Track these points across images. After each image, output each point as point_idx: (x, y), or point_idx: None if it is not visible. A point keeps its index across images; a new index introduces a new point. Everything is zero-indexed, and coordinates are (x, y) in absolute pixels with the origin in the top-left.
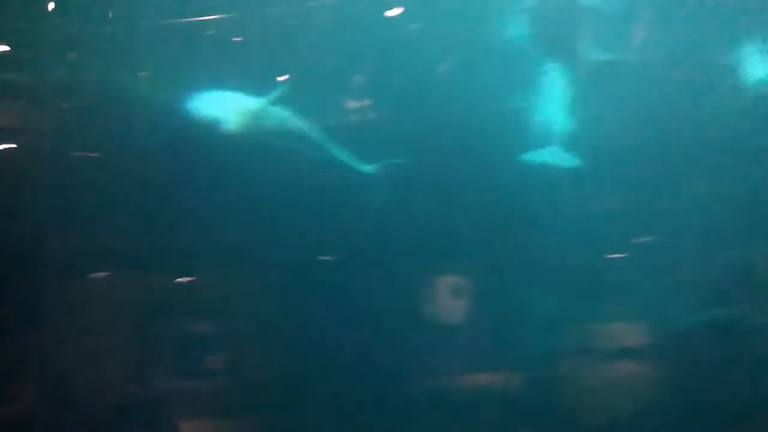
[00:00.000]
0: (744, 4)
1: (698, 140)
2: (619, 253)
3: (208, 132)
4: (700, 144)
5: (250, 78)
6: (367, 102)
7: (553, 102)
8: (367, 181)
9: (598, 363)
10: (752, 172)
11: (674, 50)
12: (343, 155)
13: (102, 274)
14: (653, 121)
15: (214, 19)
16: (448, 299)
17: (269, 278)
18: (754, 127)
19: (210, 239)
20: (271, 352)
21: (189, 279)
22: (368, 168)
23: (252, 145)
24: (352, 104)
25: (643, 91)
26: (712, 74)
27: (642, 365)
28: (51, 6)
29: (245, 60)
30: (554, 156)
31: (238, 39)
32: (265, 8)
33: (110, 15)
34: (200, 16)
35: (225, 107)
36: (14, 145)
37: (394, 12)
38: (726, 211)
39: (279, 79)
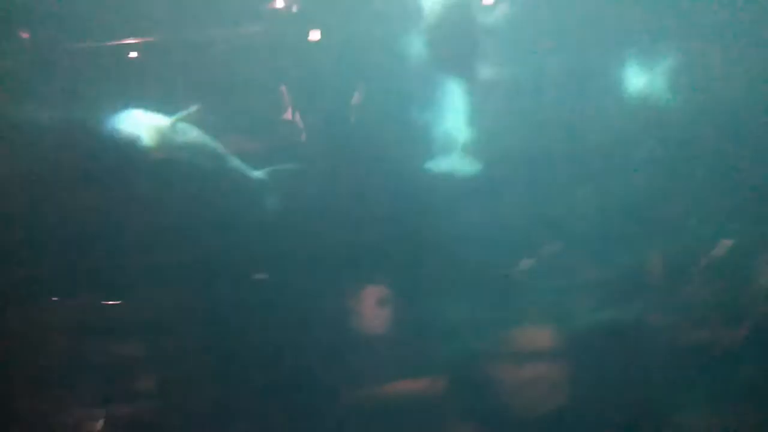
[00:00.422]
0: (628, 20)
1: (587, 148)
2: (521, 257)
3: (126, 149)
4: (589, 151)
5: (162, 97)
6: (283, 117)
7: (454, 114)
8: (258, 186)
9: (510, 365)
10: (639, 178)
11: (564, 64)
12: (238, 164)
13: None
14: (547, 131)
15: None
16: (359, 307)
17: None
18: (638, 135)
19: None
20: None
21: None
22: (258, 174)
23: (164, 161)
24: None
25: (536, 103)
26: (598, 85)
27: (549, 366)
28: None
29: (158, 80)
30: (456, 163)
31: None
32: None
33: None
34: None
35: (139, 125)
36: None
37: (314, 36)
38: (617, 216)
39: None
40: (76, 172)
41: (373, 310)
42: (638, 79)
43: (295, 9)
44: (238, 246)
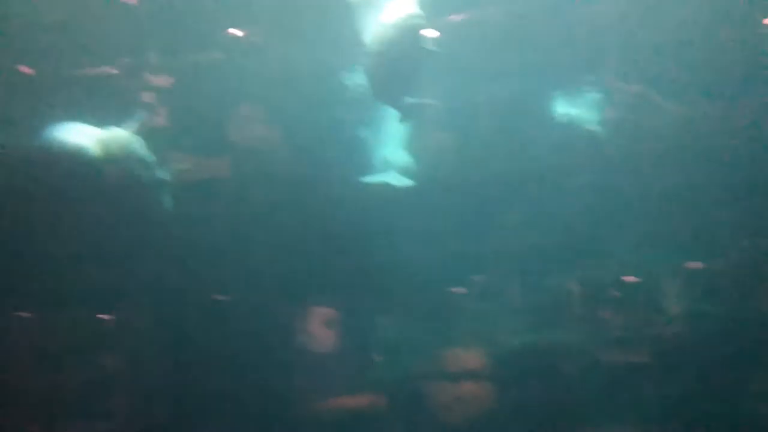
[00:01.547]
0: (557, 54)
1: (516, 173)
2: (453, 281)
3: (74, 160)
4: (518, 176)
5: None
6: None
7: (391, 140)
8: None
9: (441, 383)
10: (567, 203)
11: (498, 94)
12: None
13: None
14: (480, 158)
15: None
16: (297, 326)
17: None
18: (567, 161)
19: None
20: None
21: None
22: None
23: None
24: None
25: (470, 131)
26: (529, 114)
27: (478, 384)
28: None
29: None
30: (390, 178)
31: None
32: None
33: None
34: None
35: (84, 137)
36: None
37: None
38: (542, 239)
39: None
40: (30, 188)
41: (317, 329)
42: (568, 109)
43: (245, 37)
44: (189, 265)
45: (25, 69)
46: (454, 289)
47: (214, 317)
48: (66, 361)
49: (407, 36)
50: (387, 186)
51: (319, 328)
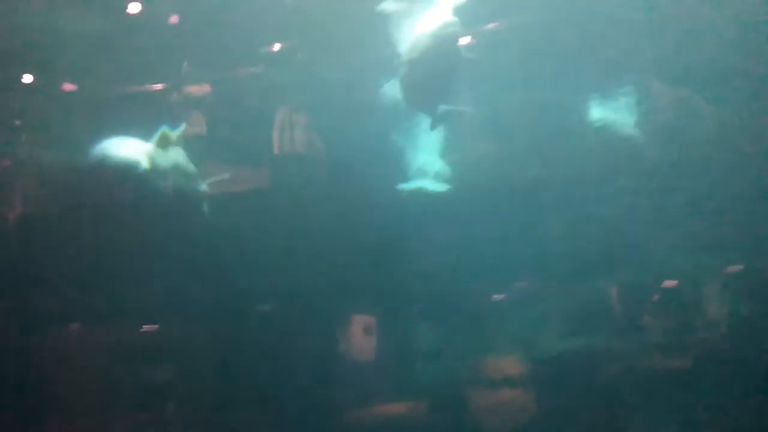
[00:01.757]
0: (593, 57)
1: (553, 178)
2: (494, 288)
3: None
4: (554, 182)
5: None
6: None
7: (426, 146)
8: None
9: (483, 390)
10: (606, 208)
11: (533, 100)
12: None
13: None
14: (516, 161)
15: None
16: (338, 334)
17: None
18: (603, 166)
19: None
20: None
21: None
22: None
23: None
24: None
25: (505, 135)
26: (567, 120)
27: (521, 391)
28: None
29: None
30: (426, 184)
31: None
32: None
33: None
34: None
35: (133, 151)
36: None
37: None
38: (581, 245)
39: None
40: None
41: (358, 337)
42: (604, 113)
43: (284, 50)
44: (231, 276)
45: (68, 86)
46: (495, 296)
47: (257, 327)
48: (113, 372)
49: (444, 44)
50: (422, 191)
51: (360, 336)
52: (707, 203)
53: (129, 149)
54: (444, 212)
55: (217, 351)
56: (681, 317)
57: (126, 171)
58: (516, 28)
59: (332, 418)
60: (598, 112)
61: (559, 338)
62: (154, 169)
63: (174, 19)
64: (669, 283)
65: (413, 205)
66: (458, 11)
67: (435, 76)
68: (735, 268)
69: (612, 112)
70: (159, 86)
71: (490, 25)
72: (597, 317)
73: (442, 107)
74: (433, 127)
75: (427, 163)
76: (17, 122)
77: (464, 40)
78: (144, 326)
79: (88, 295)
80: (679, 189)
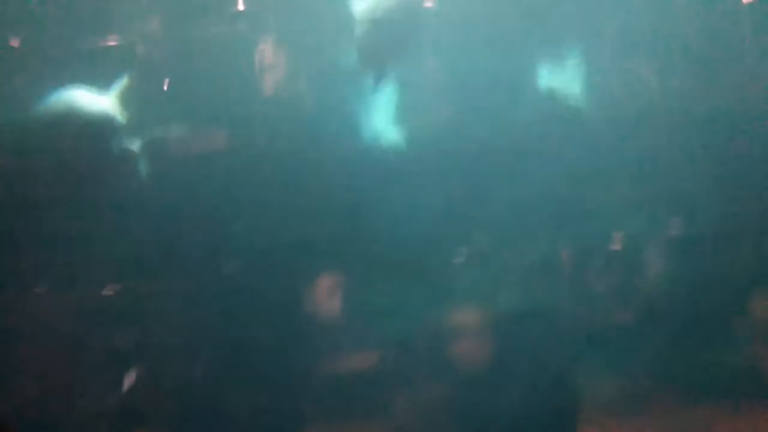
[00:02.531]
0: (540, 22)
1: (503, 145)
2: (450, 248)
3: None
4: (504, 149)
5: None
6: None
7: (381, 110)
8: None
9: (443, 342)
10: (554, 172)
11: (482, 65)
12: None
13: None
14: (468, 128)
15: None
16: (303, 295)
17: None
18: (546, 132)
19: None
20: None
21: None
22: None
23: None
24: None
25: (456, 102)
26: (513, 83)
27: (478, 342)
28: None
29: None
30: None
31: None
32: None
33: None
34: None
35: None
36: None
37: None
38: (531, 209)
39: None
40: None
41: (322, 297)
42: (552, 78)
43: (242, 10)
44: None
45: (14, 42)
46: (455, 259)
47: (222, 287)
48: (77, 336)
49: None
50: (377, 151)
51: (324, 296)
52: (651, 167)
53: (92, 101)
54: (400, 180)
55: (182, 311)
56: (623, 276)
57: (98, 125)
58: None
59: (301, 371)
60: (545, 79)
61: (513, 295)
62: (125, 124)
63: None
64: (615, 243)
65: (369, 168)
66: None
67: (390, 33)
68: (677, 228)
69: (559, 79)
70: (113, 43)
71: None
72: (548, 277)
73: (389, 70)
74: (375, 87)
75: (382, 126)
76: None
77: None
78: (106, 288)
79: (52, 258)
80: (624, 153)
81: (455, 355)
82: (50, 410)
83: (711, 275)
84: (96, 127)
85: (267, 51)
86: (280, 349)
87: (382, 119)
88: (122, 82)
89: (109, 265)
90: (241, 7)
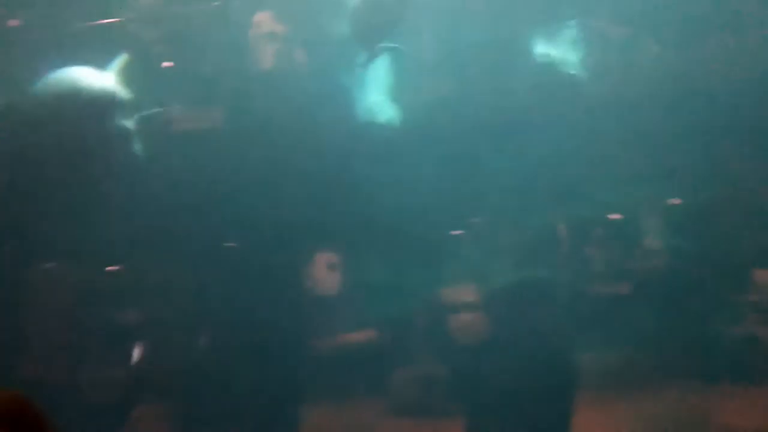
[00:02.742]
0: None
1: (500, 117)
2: (448, 224)
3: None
4: (501, 120)
5: None
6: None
7: (375, 85)
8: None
9: (442, 316)
10: (551, 146)
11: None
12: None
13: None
14: (463, 103)
15: None
16: (301, 271)
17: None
18: (548, 104)
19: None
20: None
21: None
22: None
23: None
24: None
25: (453, 73)
26: (509, 56)
27: (478, 315)
28: None
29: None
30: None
31: None
32: None
33: None
34: None
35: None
36: None
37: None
38: (529, 182)
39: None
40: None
41: (320, 273)
42: (548, 51)
43: None
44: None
45: (12, 22)
46: (452, 232)
47: (223, 264)
48: (82, 312)
49: None
50: (374, 127)
51: (322, 272)
52: (648, 140)
53: (95, 79)
54: (396, 154)
55: (182, 289)
56: (621, 248)
57: (104, 104)
58: None
59: (298, 347)
60: (541, 49)
61: (512, 269)
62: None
63: None
64: (612, 217)
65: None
66: None
67: (386, 9)
68: (674, 201)
69: (556, 49)
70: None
71: None
72: (545, 249)
73: (381, 44)
74: (366, 62)
75: (377, 102)
76: None
77: None
78: (107, 267)
79: (55, 236)
80: (621, 125)
81: (453, 331)
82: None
83: (709, 251)
84: (100, 104)
85: (262, 26)
86: (280, 325)
87: (377, 95)
88: (121, 60)
89: (112, 242)
90: None
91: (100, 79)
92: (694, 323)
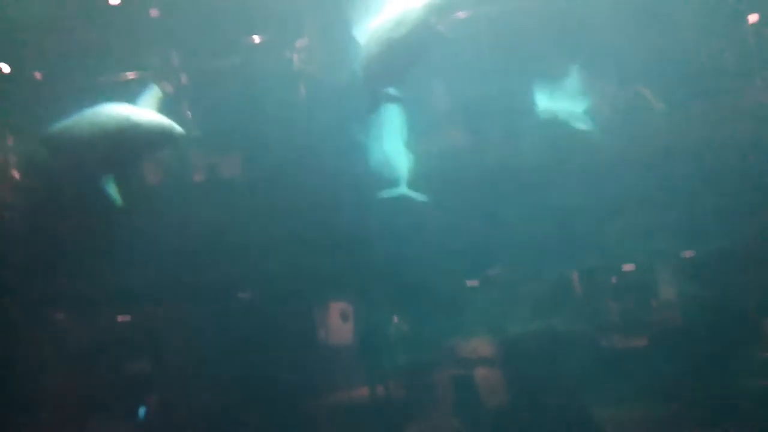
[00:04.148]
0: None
1: (512, 169)
2: (465, 275)
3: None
4: (514, 172)
5: None
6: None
7: (392, 138)
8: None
9: (455, 370)
10: (566, 198)
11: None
12: None
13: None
14: (479, 155)
15: None
16: (316, 321)
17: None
18: (559, 156)
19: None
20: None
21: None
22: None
23: None
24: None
25: (467, 127)
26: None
27: (493, 369)
28: None
29: None
30: (405, 194)
31: None
32: None
33: None
34: None
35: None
36: None
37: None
38: (543, 234)
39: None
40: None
41: (335, 324)
42: (553, 103)
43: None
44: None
45: (37, 75)
46: (468, 282)
47: (236, 314)
48: (92, 361)
49: (419, 20)
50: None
51: (337, 323)
52: (659, 193)
53: (147, 112)
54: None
55: (194, 339)
56: (636, 299)
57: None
58: (482, 16)
59: (310, 401)
60: (547, 102)
61: (527, 320)
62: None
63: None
64: (627, 268)
65: (394, 214)
66: None
67: (399, 54)
68: (687, 252)
69: (561, 102)
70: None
71: (461, 14)
72: (561, 300)
73: (390, 91)
74: (368, 111)
75: (391, 152)
76: None
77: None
78: (119, 316)
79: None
80: (633, 178)
81: (468, 385)
82: None
83: (725, 299)
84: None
85: (281, 79)
86: (291, 377)
87: (392, 143)
88: (154, 92)
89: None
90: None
91: (145, 113)
92: (711, 375)
